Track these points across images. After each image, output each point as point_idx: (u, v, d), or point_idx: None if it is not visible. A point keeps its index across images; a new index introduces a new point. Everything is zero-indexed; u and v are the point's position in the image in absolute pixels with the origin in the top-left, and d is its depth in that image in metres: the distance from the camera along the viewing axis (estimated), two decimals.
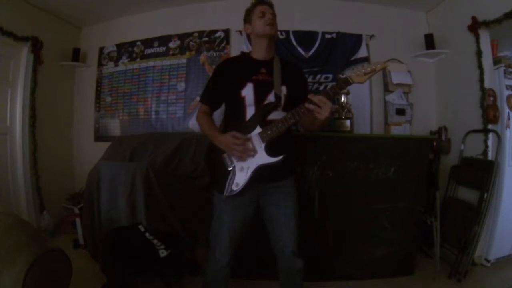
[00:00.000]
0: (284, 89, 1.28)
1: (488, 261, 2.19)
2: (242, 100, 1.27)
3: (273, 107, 1.25)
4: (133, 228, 1.76)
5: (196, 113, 1.41)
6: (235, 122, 1.29)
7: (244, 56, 1.40)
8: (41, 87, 2.78)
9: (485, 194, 2.07)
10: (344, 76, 1.15)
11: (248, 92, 1.26)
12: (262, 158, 1.22)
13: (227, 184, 1.25)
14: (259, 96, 1.26)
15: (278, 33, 2.71)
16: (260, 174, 1.23)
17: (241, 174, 1.24)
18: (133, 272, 1.91)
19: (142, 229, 1.76)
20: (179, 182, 2.05)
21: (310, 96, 1.13)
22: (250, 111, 1.27)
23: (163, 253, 1.77)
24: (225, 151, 1.26)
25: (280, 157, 1.21)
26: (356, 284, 1.98)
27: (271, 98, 1.26)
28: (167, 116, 2.96)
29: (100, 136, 3.16)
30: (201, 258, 2.10)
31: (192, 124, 2.89)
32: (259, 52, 1.33)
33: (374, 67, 1.13)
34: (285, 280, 1.40)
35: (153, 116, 3.00)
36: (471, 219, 2.08)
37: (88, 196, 1.97)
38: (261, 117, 1.24)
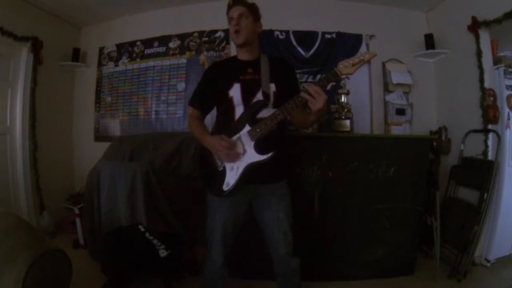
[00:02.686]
0: (273, 87, 1.28)
1: (488, 261, 2.19)
2: (230, 100, 1.27)
3: (262, 105, 1.25)
4: (133, 228, 1.76)
5: (188, 119, 1.41)
6: (225, 122, 1.30)
7: (231, 58, 1.41)
8: (41, 87, 2.78)
9: (485, 194, 2.07)
10: (333, 69, 1.14)
11: (235, 92, 1.27)
12: (251, 156, 1.22)
13: (218, 184, 1.25)
14: (247, 95, 1.26)
15: (278, 33, 2.77)
16: (252, 175, 1.23)
17: (231, 174, 1.24)
18: (133, 272, 1.92)
19: (142, 229, 1.75)
20: (179, 182, 2.05)
21: (306, 86, 1.12)
22: (239, 111, 1.27)
23: (163, 253, 1.77)
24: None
25: (270, 154, 1.20)
26: (356, 284, 1.98)
27: (259, 96, 1.26)
28: (167, 116, 2.96)
29: (100, 136, 3.16)
30: (201, 258, 2.10)
31: None
32: (243, 54, 1.35)
33: (362, 57, 1.13)
34: (282, 280, 1.40)
35: (153, 116, 3.00)
36: (471, 219, 2.08)
37: (88, 196, 1.97)
38: (250, 116, 1.24)
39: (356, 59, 1.12)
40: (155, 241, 1.77)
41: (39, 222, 2.68)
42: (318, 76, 2.76)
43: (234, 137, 1.24)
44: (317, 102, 1.09)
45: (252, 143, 1.22)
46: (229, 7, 1.31)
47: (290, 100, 1.15)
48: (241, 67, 1.31)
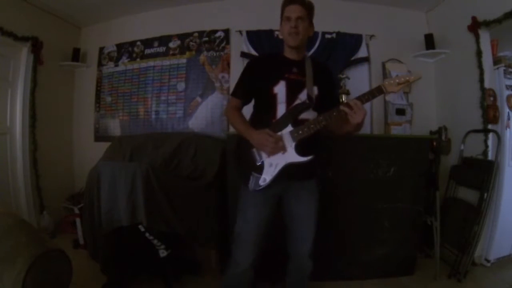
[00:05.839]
0: (315, 90, 1.29)
1: (488, 261, 2.19)
2: (274, 97, 1.27)
3: (306, 107, 1.26)
4: (133, 228, 1.76)
5: (226, 107, 1.42)
6: (266, 118, 1.29)
7: (277, 54, 1.39)
8: (41, 87, 2.78)
9: (485, 194, 2.07)
10: (378, 84, 1.18)
11: (280, 89, 1.27)
12: (291, 156, 1.23)
13: (255, 178, 1.26)
14: (291, 95, 1.27)
15: (278, 33, 2.76)
16: (287, 172, 1.24)
17: (269, 170, 1.25)
18: (133, 272, 1.92)
19: (142, 229, 1.75)
20: (179, 182, 2.05)
21: (347, 100, 1.16)
22: (281, 108, 1.27)
23: (163, 253, 1.77)
24: (255, 147, 1.27)
25: (310, 157, 1.22)
26: (356, 284, 1.98)
27: (302, 97, 1.27)
28: (167, 116, 2.96)
29: (100, 136, 3.16)
30: (201, 258, 2.11)
31: (192, 124, 2.89)
32: (290, 53, 1.34)
33: (408, 78, 1.16)
34: (294, 279, 1.41)
35: (153, 116, 2.99)
36: (471, 219, 2.08)
37: (88, 196, 1.97)
38: (293, 116, 1.25)
39: (402, 79, 1.15)
40: (155, 241, 1.77)
41: (39, 222, 2.68)
42: None
43: None
44: (357, 116, 1.12)
45: (294, 144, 1.23)
46: (287, 3, 1.28)
47: (335, 108, 1.17)
48: (286, 65, 1.31)
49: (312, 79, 1.29)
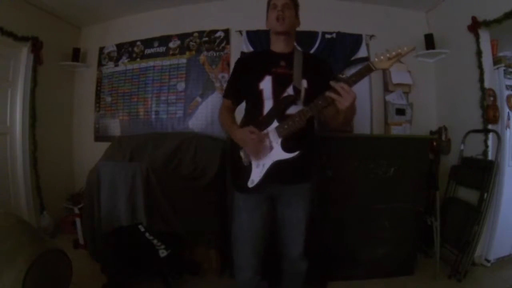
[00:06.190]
0: (304, 83, 1.21)
1: (488, 261, 2.20)
2: (260, 93, 1.22)
3: (291, 100, 1.19)
4: (133, 228, 1.76)
5: (219, 109, 1.39)
6: (254, 116, 1.25)
7: (264, 50, 1.35)
8: (41, 87, 2.78)
9: (485, 194, 2.07)
10: (366, 62, 1.08)
11: (266, 85, 1.22)
12: (277, 154, 1.17)
13: (242, 180, 1.23)
14: (278, 89, 1.21)
15: None
16: (277, 174, 1.19)
17: (256, 171, 1.21)
18: (133, 272, 1.92)
19: (142, 229, 1.76)
20: (179, 182, 2.05)
21: (331, 83, 1.04)
22: (268, 105, 1.22)
23: (163, 253, 1.77)
24: (242, 147, 1.23)
25: (296, 153, 1.15)
26: (356, 284, 1.98)
27: (290, 91, 1.21)
28: (167, 116, 2.96)
29: (100, 136, 3.16)
30: (201, 258, 2.11)
31: (192, 124, 2.89)
32: (277, 46, 1.30)
33: (400, 50, 1.03)
34: (289, 281, 1.41)
35: (153, 116, 2.99)
36: (471, 219, 2.08)
37: (88, 196, 1.97)
38: (279, 111, 1.19)
39: (393, 53, 1.03)
40: (155, 241, 1.77)
41: (39, 222, 2.68)
42: None
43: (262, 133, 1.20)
44: (344, 100, 1.01)
45: (279, 140, 1.17)
46: None
47: (320, 96, 1.09)
48: (274, 59, 1.26)
49: (300, 72, 1.21)
